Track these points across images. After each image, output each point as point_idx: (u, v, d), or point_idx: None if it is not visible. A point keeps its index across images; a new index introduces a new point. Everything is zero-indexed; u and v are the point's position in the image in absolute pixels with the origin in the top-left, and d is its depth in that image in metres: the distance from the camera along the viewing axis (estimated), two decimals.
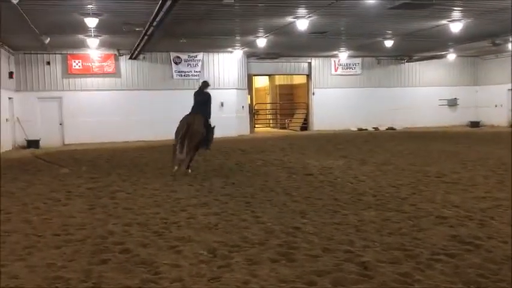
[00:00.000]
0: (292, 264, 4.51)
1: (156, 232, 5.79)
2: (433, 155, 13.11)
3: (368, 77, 26.59)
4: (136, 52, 19.45)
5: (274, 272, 4.31)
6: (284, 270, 4.34)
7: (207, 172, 10.87)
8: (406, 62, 26.68)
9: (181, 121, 10.63)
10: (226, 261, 4.66)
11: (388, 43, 19.55)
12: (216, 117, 22.63)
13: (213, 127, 11.18)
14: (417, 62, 26.59)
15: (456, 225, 5.73)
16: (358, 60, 26.18)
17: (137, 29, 14.62)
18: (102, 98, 21.21)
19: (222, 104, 23.16)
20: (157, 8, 10.86)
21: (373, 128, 25.79)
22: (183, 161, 10.32)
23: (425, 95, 26.95)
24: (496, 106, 26.75)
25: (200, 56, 22.54)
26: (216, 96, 22.81)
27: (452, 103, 27.58)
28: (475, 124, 26.77)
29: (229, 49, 21.90)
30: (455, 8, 13.70)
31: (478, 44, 20.93)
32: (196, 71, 22.63)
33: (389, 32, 17.84)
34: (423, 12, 13.81)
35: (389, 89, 26.70)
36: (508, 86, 25.98)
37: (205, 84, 11.50)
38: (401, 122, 26.08)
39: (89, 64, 21.05)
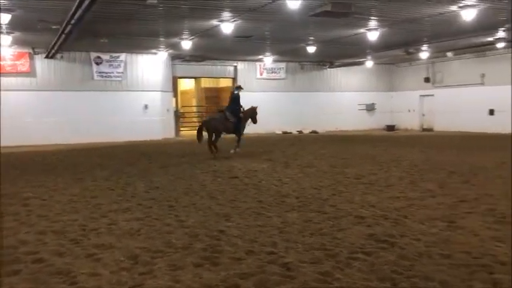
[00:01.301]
0: (215, 268, 4.48)
1: (73, 240, 5.51)
2: (352, 157, 13.66)
3: (292, 81, 27.26)
4: (53, 51, 18.50)
5: (198, 277, 4.26)
6: (208, 275, 4.30)
7: (130, 176, 10.56)
8: (328, 67, 27.67)
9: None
10: (148, 267, 4.54)
11: (311, 49, 20.17)
12: (140, 120, 22.49)
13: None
14: (338, 68, 27.67)
15: (373, 225, 5.99)
16: (283, 64, 26.77)
17: (54, 27, 13.92)
18: (16, 98, 19.94)
19: (146, 107, 22.71)
20: (75, 5, 10.40)
21: (297, 131, 26.46)
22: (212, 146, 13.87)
23: (346, 99, 28.12)
24: (409, 111, 28.52)
25: (123, 56, 21.90)
26: (140, 98, 22.48)
27: (370, 108, 29.00)
28: (390, 128, 28.35)
29: (154, 50, 21.49)
30: (372, 18, 14.44)
31: (393, 52, 22.22)
32: (119, 72, 21.96)
33: (312, 38, 18.43)
34: (343, 21, 14.40)
35: (312, 93, 27.55)
36: (420, 92, 27.81)
37: (237, 88, 15.08)
38: (323, 126, 26.98)
39: (0, 62, 19.71)
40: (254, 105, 15.20)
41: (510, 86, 21.19)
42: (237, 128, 14.28)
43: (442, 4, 12.50)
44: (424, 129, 27.39)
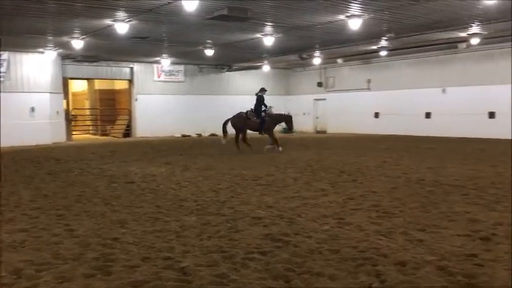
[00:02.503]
0: (108, 277, 4.30)
1: None
2: (250, 159, 13.93)
3: (191, 84, 27.13)
4: None
5: None
6: (99, 285, 4.11)
7: (14, 184, 9.77)
8: (227, 71, 27.95)
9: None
10: (33, 281, 4.22)
11: (209, 52, 20.23)
12: (26, 124, 20.93)
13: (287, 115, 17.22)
14: (237, 72, 28.07)
15: (269, 225, 6.15)
16: (181, 67, 26.55)
17: None
18: None
19: (32, 109, 21.20)
20: None
21: (197, 134, 26.36)
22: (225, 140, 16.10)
23: (245, 102, 28.42)
24: (304, 114, 29.77)
25: (5, 55, 20.20)
26: (26, 100, 20.91)
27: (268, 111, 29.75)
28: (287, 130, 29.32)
29: (40, 49, 20.10)
30: (267, 23, 14.85)
31: (288, 58, 23.06)
32: (1, 72, 20.21)
33: (210, 41, 18.48)
34: (239, 25, 14.65)
35: (212, 96, 27.65)
36: (314, 96, 29.19)
37: (260, 90, 16.65)
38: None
39: None
40: (290, 113, 17.36)
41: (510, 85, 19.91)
42: (261, 127, 15.85)
43: (331, 13, 13.21)
44: (317, 132, 28.78)
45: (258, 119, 15.82)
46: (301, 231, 5.78)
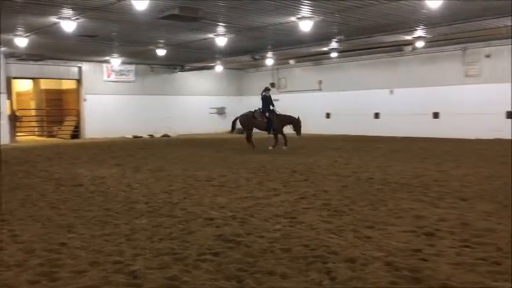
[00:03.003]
0: (54, 283, 4.15)
1: None
2: (203, 160, 13.86)
3: (142, 84, 26.68)
4: None
5: None
6: None
7: None
8: (179, 71, 27.67)
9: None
10: None
11: (161, 52, 19.96)
12: None
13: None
14: (189, 72, 27.85)
15: (222, 225, 6.13)
16: (132, 67, 26.06)
17: None
18: None
19: None
20: None
21: (149, 135, 25.94)
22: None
23: (197, 103, 28.45)
24: None
25: None
26: None
27: (221, 111, 29.74)
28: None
29: None
30: (220, 24, 14.83)
31: (241, 58, 23.13)
32: None
33: (161, 41, 18.25)
34: (191, 25, 14.55)
35: (163, 96, 27.31)
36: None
37: (265, 89, 16.58)
38: (175, 129, 26.90)
39: None
40: (299, 116, 16.39)
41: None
42: (268, 127, 15.86)
43: (282, 14, 13.36)
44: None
45: (265, 119, 15.81)
46: (254, 231, 5.80)
